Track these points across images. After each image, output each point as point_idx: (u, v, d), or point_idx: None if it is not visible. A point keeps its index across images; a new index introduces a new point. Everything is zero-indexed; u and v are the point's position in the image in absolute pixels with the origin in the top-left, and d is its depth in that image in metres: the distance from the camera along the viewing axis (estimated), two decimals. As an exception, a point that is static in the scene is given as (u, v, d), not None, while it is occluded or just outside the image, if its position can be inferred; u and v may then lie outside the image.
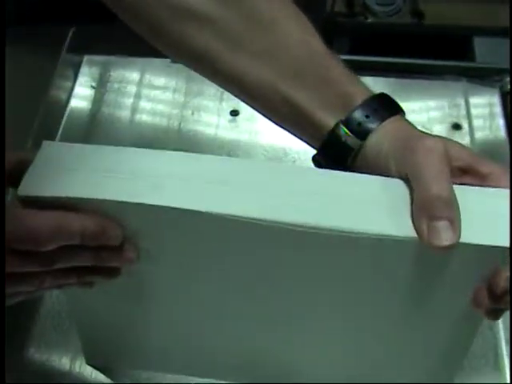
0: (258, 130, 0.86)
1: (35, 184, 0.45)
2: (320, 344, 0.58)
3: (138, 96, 0.90)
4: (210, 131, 0.87)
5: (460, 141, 0.83)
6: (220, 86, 0.56)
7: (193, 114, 0.88)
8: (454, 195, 0.45)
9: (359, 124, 0.50)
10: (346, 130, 0.50)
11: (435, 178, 0.45)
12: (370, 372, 0.61)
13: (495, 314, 0.48)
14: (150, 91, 0.91)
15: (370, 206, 0.46)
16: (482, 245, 0.44)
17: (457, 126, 0.87)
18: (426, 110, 0.89)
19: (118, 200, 0.45)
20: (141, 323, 0.59)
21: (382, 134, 0.49)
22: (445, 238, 0.43)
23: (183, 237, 0.48)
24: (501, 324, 0.69)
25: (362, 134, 0.50)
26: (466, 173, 0.48)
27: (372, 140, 0.50)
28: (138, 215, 0.46)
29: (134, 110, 0.89)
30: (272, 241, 0.46)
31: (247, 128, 0.86)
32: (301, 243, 0.46)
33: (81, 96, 0.90)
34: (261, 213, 0.45)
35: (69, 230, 0.44)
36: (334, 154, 0.51)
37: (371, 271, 0.48)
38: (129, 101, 0.90)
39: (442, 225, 0.44)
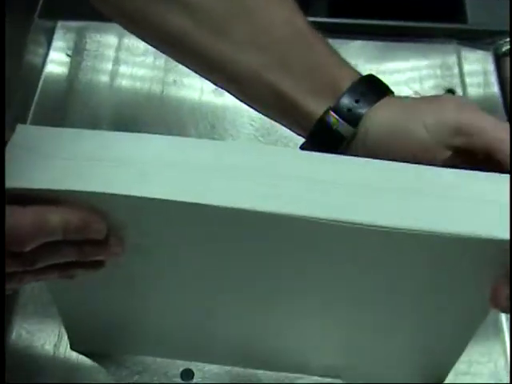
0: (244, 97, 0.82)
1: (10, 174, 0.42)
2: (319, 338, 0.56)
3: (116, 61, 0.86)
4: (193, 98, 0.83)
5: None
6: (199, 74, 0.53)
7: (175, 81, 0.84)
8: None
9: (349, 110, 0.48)
10: (336, 117, 0.48)
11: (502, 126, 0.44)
12: (364, 370, 0.61)
13: None
14: (130, 56, 0.86)
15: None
16: (483, 238, 0.41)
17: (450, 91, 0.84)
18: (418, 75, 0.86)
19: (101, 192, 0.41)
20: (128, 309, 0.56)
21: (378, 117, 0.47)
22: None
23: (174, 227, 0.44)
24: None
25: (354, 120, 0.48)
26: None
27: (366, 125, 0.48)
28: (124, 206, 0.42)
29: (114, 75, 0.85)
30: (280, 233, 0.43)
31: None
32: (312, 237, 0.43)
33: (56, 62, 0.86)
34: (264, 206, 0.41)
35: (50, 227, 0.41)
36: (324, 142, 0.48)
37: (387, 266, 0.46)
38: (107, 66, 0.86)
39: None
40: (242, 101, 0.53)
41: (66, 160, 0.43)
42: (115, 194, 0.41)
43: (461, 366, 0.63)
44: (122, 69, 0.86)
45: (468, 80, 0.86)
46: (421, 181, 0.43)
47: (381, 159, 0.45)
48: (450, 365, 0.60)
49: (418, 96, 0.50)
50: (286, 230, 0.43)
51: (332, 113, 0.48)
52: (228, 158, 0.44)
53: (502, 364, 0.64)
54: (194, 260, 0.48)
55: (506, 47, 0.88)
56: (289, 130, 0.79)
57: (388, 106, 0.48)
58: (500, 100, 0.84)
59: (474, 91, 0.85)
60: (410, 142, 0.46)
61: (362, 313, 0.52)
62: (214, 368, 0.62)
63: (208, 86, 0.83)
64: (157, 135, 0.45)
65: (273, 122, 0.80)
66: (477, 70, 0.87)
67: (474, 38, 0.88)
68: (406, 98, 0.49)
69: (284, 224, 0.42)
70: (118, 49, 0.87)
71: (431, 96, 0.48)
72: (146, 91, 0.84)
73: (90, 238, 0.43)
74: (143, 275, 0.50)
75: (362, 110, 0.47)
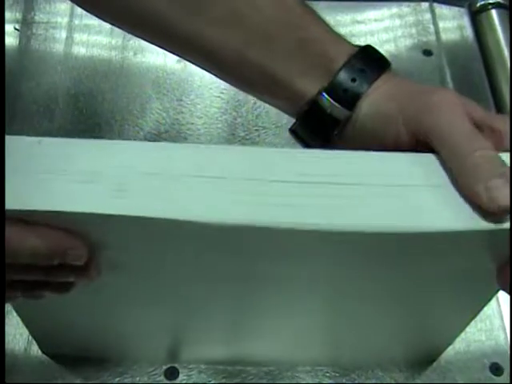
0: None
1: None
2: (308, 331, 0.53)
3: (70, 29, 0.79)
4: (157, 68, 0.77)
5: (434, 67, 0.80)
6: (178, 55, 0.48)
7: (135, 54, 0.78)
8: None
9: (345, 90, 0.43)
10: (330, 99, 0.43)
11: (471, 138, 0.38)
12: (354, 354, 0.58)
13: None
14: (85, 22, 0.79)
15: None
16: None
17: (427, 52, 0.81)
18: (392, 36, 0.82)
19: (75, 211, 0.36)
20: (100, 317, 0.51)
21: (377, 99, 0.43)
22: (504, 197, 0.37)
23: (156, 245, 0.40)
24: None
25: (350, 101, 0.43)
26: (481, 130, 0.41)
27: (364, 107, 0.43)
28: (103, 226, 0.37)
29: (69, 44, 0.78)
30: (273, 245, 0.39)
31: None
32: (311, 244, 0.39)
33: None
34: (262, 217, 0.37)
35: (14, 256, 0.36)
36: (317, 126, 0.44)
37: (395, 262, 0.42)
38: (61, 35, 0.79)
39: (500, 182, 0.37)
40: (227, 82, 0.48)
41: (32, 175, 0.37)
42: (88, 213, 0.36)
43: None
44: (78, 36, 0.79)
45: (444, 37, 0.82)
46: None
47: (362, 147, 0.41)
48: (445, 345, 0.59)
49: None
50: (278, 240, 0.38)
51: (325, 94, 0.43)
52: (207, 166, 0.39)
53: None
54: (174, 273, 0.43)
55: (481, 2, 0.85)
56: (260, 101, 0.75)
57: (383, 89, 0.43)
58: (478, 55, 0.81)
59: (450, 49, 0.81)
60: (387, 135, 0.42)
61: (360, 305, 0.49)
62: (199, 365, 0.58)
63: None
64: (126, 142, 0.40)
65: (243, 93, 0.76)
66: (452, 27, 0.84)
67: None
68: (411, 81, 0.44)
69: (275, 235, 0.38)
70: (72, 15, 0.80)
71: (426, 87, 0.43)
72: (106, 61, 0.78)
73: (67, 263, 0.38)
74: (115, 287, 0.45)
75: (360, 90, 0.43)
